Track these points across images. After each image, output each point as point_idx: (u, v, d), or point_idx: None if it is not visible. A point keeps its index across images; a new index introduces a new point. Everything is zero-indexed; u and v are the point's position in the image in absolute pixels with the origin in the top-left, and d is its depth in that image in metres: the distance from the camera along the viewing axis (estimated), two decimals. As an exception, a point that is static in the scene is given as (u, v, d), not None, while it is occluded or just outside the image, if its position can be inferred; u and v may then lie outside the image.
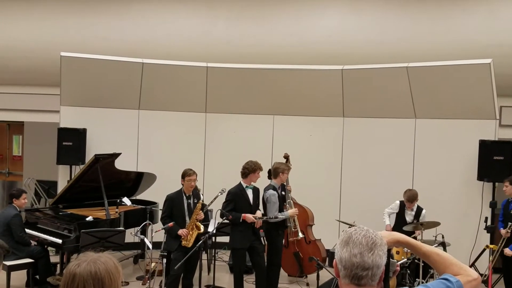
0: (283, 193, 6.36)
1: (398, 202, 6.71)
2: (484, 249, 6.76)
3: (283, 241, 6.46)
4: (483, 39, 8.24)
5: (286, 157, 7.10)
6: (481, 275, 6.85)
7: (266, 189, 6.14)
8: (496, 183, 7.17)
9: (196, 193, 6.00)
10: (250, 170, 5.93)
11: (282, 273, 6.49)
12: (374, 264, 1.65)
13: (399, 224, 6.58)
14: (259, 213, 6.01)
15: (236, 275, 6.05)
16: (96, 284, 1.67)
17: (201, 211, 5.85)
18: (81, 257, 1.72)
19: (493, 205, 7.08)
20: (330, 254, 7.02)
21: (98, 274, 1.67)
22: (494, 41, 8.19)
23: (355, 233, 1.72)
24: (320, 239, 7.12)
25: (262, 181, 6.33)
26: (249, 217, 5.82)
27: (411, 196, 6.46)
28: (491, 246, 6.51)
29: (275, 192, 6.10)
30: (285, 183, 6.49)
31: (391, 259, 1.88)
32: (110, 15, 9.33)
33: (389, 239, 1.86)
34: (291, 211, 6.21)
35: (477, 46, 8.16)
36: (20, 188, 7.00)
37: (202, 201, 5.91)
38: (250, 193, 5.99)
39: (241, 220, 5.82)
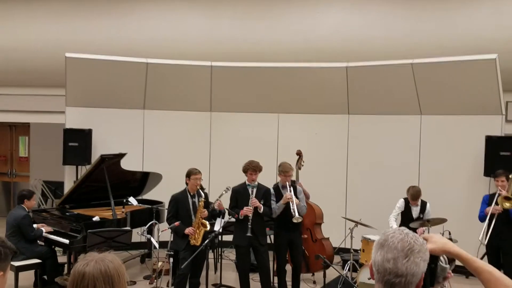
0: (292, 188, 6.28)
1: (402, 200, 6.67)
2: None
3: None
4: (488, 35, 8.20)
5: (298, 154, 7.02)
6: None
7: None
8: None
9: (198, 192, 6.00)
10: (243, 169, 5.95)
11: (288, 270, 6.46)
12: (408, 272, 1.55)
13: (406, 221, 6.56)
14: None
15: (240, 273, 6.05)
16: (107, 282, 1.69)
17: (205, 210, 5.86)
18: (87, 257, 1.74)
19: (499, 200, 7.05)
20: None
21: (108, 272, 1.70)
22: (499, 36, 8.15)
23: (392, 236, 1.61)
24: (328, 238, 7.08)
25: (270, 179, 6.33)
26: (243, 210, 5.80)
27: (414, 194, 6.41)
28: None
29: (272, 191, 6.13)
30: (295, 180, 6.43)
31: (443, 265, 1.80)
32: (114, 15, 9.36)
33: (440, 247, 1.74)
34: (282, 198, 5.96)
35: (483, 42, 8.13)
36: (29, 189, 7.03)
37: (204, 199, 5.92)
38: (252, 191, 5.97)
39: (241, 217, 5.81)
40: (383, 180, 7.89)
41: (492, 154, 7.00)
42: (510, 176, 6.06)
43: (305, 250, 6.86)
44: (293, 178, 6.47)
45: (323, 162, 8.25)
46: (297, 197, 6.00)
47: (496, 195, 5.97)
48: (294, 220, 5.88)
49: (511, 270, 5.78)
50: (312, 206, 6.97)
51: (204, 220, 5.82)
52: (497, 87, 7.01)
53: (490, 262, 6.10)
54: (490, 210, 5.95)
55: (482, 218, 6.15)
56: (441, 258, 1.77)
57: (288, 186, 6.02)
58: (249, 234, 5.77)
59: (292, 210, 5.87)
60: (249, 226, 5.77)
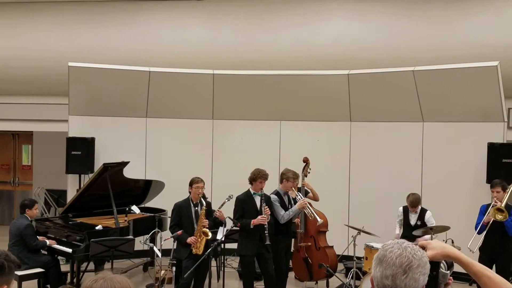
0: (299, 196, 6.30)
1: (400, 208, 6.68)
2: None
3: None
4: (490, 41, 8.22)
5: (305, 161, 7.03)
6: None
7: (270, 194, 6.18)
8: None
9: (200, 201, 6.02)
10: (251, 178, 5.96)
11: (292, 277, 6.46)
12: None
13: (406, 228, 6.57)
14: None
15: (245, 282, 6.05)
16: None
17: (206, 220, 5.86)
18: (99, 275, 1.78)
19: (503, 208, 7.03)
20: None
21: None
22: (500, 43, 8.17)
23: (391, 251, 1.59)
24: (332, 246, 7.07)
25: (271, 187, 6.34)
26: (257, 219, 5.81)
27: (414, 201, 6.43)
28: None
29: (276, 197, 6.14)
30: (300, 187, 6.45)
31: (444, 271, 1.80)
32: (117, 25, 9.42)
33: (439, 252, 1.73)
34: (298, 203, 6.09)
35: (484, 49, 8.14)
36: (31, 198, 7.05)
37: (206, 207, 5.92)
38: (258, 200, 5.98)
39: (252, 227, 5.81)
40: (385, 188, 7.87)
41: (494, 161, 6.99)
42: (509, 188, 5.98)
43: (308, 258, 6.85)
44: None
45: (325, 170, 8.23)
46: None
47: (491, 206, 5.86)
48: (318, 224, 6.25)
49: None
50: (317, 214, 6.96)
51: (205, 229, 5.82)
52: (499, 94, 7.01)
53: None
54: (486, 219, 5.88)
55: (480, 230, 6.00)
56: (441, 264, 1.76)
57: (297, 192, 6.11)
58: (268, 242, 5.81)
59: (309, 215, 5.98)
60: (266, 234, 5.79)
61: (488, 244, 5.94)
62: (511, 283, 1.72)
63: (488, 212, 5.83)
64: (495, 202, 5.82)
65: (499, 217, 5.70)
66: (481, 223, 5.93)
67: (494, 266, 5.93)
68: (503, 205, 5.76)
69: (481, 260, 5.89)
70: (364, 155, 8.21)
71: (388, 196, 7.64)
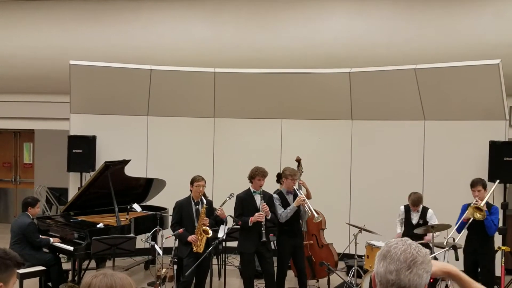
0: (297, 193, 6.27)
1: (402, 207, 6.65)
2: (496, 251, 6.67)
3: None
4: (491, 40, 8.20)
5: (298, 160, 7.02)
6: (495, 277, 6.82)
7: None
8: (507, 184, 7.11)
9: (201, 199, 6.02)
10: (250, 176, 5.95)
11: (292, 276, 6.44)
12: (411, 283, 1.54)
13: (407, 227, 6.55)
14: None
15: (245, 280, 6.05)
16: None
17: (207, 218, 5.87)
18: (100, 271, 1.80)
19: (504, 206, 7.01)
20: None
21: (113, 286, 1.74)
22: (502, 41, 8.15)
23: (395, 247, 1.60)
24: (332, 243, 7.09)
25: (272, 185, 6.34)
26: (254, 216, 5.81)
27: (415, 200, 6.40)
28: (503, 247, 6.44)
29: (277, 196, 6.12)
30: (296, 188, 6.41)
31: None
32: (118, 23, 9.41)
33: (440, 269, 1.74)
34: (295, 201, 6.00)
35: (486, 47, 8.13)
36: (34, 196, 7.05)
37: (206, 205, 5.93)
38: (258, 198, 5.98)
39: (250, 224, 5.81)
40: (387, 186, 7.87)
41: (496, 160, 6.98)
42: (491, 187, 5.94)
43: (312, 256, 6.85)
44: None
45: (326, 168, 8.25)
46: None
47: (472, 204, 5.80)
48: (315, 220, 6.08)
49: (488, 281, 5.75)
50: (317, 212, 6.95)
51: (205, 227, 5.82)
52: (500, 92, 7.00)
53: (467, 274, 6.01)
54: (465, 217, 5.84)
55: (459, 228, 5.94)
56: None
57: (296, 190, 6.09)
58: (264, 239, 5.81)
59: (308, 211, 5.95)
60: (263, 231, 5.80)
61: (471, 245, 5.95)
62: (494, 282, 1.76)
63: (467, 212, 5.80)
64: (476, 201, 5.80)
65: (478, 215, 5.68)
66: (460, 221, 5.92)
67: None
68: (483, 203, 5.74)
69: (465, 262, 5.90)
70: (366, 153, 8.20)
71: (389, 195, 7.63)
